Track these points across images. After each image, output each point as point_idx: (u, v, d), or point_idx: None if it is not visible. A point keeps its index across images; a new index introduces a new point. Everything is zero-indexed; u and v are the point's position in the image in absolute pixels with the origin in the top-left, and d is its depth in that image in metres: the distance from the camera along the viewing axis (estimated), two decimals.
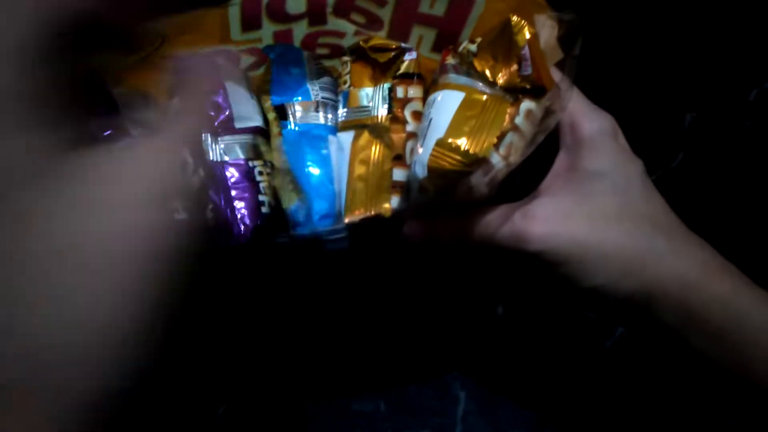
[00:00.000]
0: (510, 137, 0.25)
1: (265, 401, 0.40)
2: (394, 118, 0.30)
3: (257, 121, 0.31)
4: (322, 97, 0.32)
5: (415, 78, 0.30)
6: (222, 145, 0.30)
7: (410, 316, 0.42)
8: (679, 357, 0.35)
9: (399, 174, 0.29)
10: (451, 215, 0.27)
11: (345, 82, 0.31)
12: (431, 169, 0.25)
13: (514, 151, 0.25)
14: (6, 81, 0.17)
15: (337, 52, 0.33)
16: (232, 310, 0.40)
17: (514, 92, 0.27)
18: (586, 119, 0.28)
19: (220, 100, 0.30)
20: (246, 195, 0.29)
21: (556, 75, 0.26)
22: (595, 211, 0.26)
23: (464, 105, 0.26)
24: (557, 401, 0.40)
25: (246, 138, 0.30)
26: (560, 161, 0.28)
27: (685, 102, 0.47)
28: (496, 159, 0.25)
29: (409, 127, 0.30)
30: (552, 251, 0.25)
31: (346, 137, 0.31)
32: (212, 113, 0.30)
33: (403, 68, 0.30)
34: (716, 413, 0.37)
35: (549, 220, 0.25)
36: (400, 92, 0.30)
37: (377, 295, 0.42)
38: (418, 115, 0.30)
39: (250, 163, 0.30)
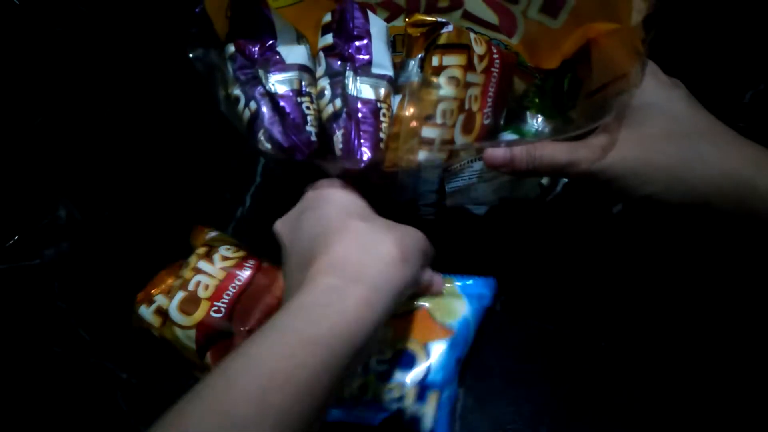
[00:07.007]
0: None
1: None
2: (426, 82, 0.33)
3: (390, 71, 0.35)
4: None
5: (453, 48, 0.33)
6: (359, 84, 0.34)
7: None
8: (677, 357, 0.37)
9: (428, 131, 0.33)
10: (526, 148, 0.32)
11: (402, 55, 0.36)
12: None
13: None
14: None
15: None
16: None
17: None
18: None
19: (364, 45, 0.34)
20: (371, 130, 0.33)
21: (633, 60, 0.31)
22: (643, 135, 0.31)
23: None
24: (554, 397, 0.40)
25: (379, 82, 0.34)
26: None
27: None
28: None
29: (442, 92, 0.33)
30: (607, 170, 0.31)
31: (395, 101, 0.35)
32: (356, 55, 0.34)
33: (440, 40, 0.33)
34: (714, 412, 0.38)
35: (604, 148, 0.31)
36: (435, 61, 0.33)
37: None
38: (454, 81, 0.33)
39: (378, 104, 0.34)
